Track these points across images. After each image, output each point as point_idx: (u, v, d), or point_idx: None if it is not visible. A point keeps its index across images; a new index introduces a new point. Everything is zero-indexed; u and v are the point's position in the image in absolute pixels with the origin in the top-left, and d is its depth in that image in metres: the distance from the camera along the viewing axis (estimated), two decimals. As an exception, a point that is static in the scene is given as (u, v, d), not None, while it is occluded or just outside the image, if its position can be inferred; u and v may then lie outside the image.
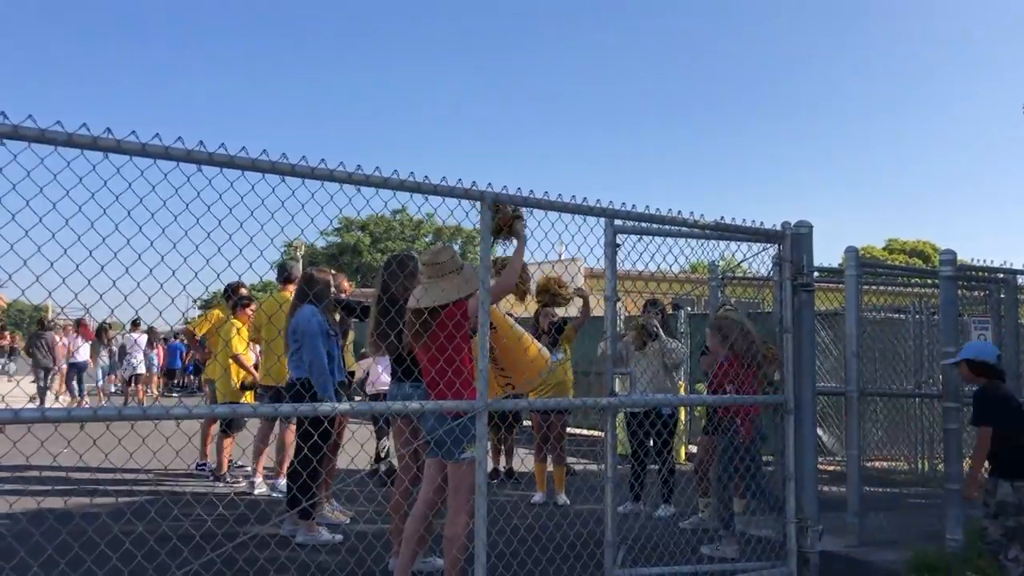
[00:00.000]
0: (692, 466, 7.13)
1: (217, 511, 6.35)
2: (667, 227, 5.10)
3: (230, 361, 8.40)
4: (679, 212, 4.84)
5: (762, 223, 5.22)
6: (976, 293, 8.09)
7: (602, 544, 4.91)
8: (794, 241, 5.28)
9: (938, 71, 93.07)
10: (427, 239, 58.78)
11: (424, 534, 4.58)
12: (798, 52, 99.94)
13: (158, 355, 21.51)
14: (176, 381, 24.32)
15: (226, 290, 8.69)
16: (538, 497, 7.68)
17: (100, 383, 20.03)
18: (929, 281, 10.11)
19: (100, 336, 19.52)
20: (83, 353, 18.06)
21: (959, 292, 6.77)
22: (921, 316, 10.53)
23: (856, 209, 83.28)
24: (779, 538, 5.64)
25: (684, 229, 5.08)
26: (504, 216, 4.45)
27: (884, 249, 47.26)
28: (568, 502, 7.64)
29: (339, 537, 6.01)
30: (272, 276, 8.04)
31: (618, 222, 5.07)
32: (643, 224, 5.01)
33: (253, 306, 8.61)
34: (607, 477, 5.05)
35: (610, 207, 4.59)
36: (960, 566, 5.63)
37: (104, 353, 20.05)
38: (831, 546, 5.91)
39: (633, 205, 4.67)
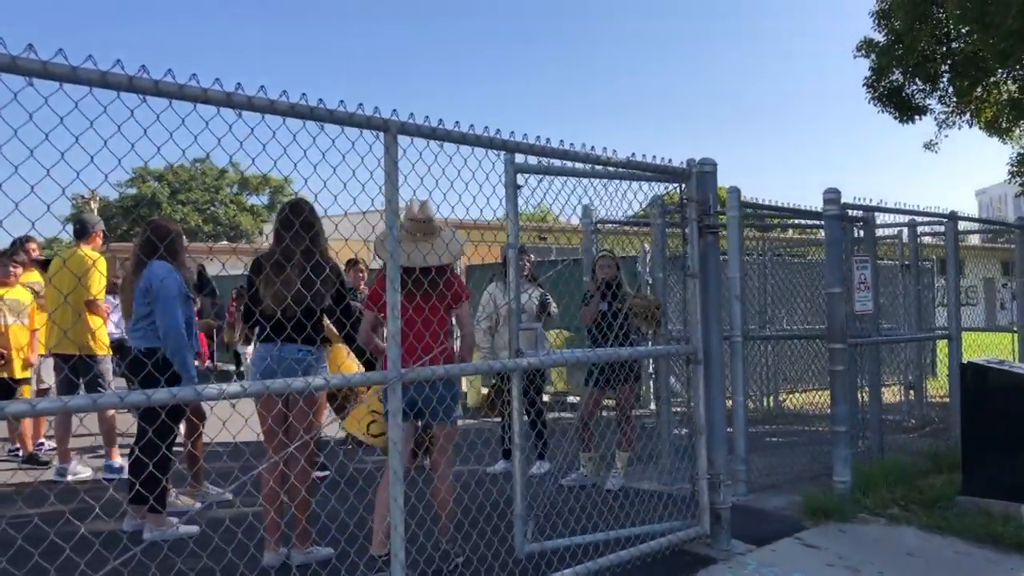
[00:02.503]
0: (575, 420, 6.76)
1: (47, 502, 5.24)
2: (570, 165, 4.59)
3: None
4: (592, 148, 4.33)
5: (670, 160, 4.82)
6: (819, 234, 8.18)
7: (498, 511, 4.42)
8: (699, 180, 4.91)
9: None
10: (232, 189, 55.62)
11: None
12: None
13: None
14: None
15: (12, 244, 7.21)
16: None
17: None
18: (774, 222, 10.27)
19: None
20: None
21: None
22: (764, 257, 10.72)
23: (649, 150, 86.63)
24: (666, 491, 5.36)
25: (597, 168, 4.59)
26: None
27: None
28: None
29: (195, 529, 5.15)
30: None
31: (519, 159, 4.51)
32: (545, 162, 4.47)
33: None
34: (515, 444, 4.55)
35: (512, 140, 3.99)
36: (852, 507, 5.62)
37: None
38: (724, 496, 5.73)
39: (547, 140, 4.11)
